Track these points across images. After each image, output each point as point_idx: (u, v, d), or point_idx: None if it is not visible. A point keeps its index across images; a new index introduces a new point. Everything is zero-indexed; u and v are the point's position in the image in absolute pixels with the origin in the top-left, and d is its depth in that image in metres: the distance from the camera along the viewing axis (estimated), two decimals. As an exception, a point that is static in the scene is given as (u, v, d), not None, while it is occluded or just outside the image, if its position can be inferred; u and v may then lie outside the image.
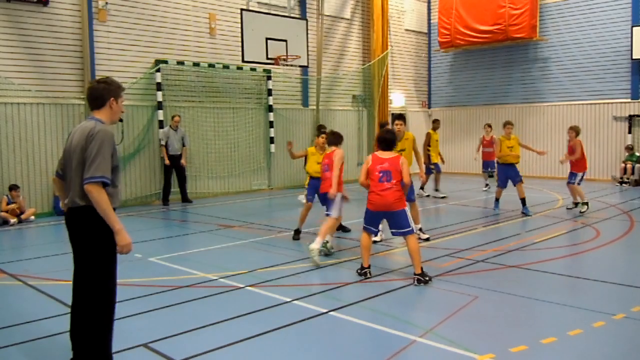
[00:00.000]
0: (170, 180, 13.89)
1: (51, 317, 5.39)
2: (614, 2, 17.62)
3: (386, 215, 6.73)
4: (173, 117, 13.74)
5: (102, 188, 3.65)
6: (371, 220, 6.84)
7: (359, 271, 6.78)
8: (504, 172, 11.77)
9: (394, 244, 8.71)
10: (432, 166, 14.11)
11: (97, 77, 12.94)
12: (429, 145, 14.18)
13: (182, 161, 13.79)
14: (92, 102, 3.92)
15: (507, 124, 12.04)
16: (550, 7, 18.99)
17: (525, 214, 11.22)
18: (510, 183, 11.74)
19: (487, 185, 15.73)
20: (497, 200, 12.01)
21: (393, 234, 6.83)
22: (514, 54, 20.00)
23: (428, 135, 14.33)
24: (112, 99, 3.93)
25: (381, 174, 6.63)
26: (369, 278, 6.63)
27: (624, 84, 17.55)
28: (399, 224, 6.62)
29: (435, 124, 14.80)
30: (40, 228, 10.98)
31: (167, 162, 13.63)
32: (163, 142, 13.69)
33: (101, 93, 3.90)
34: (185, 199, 14.06)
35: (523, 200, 11.40)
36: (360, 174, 6.83)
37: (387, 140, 6.86)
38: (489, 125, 16.17)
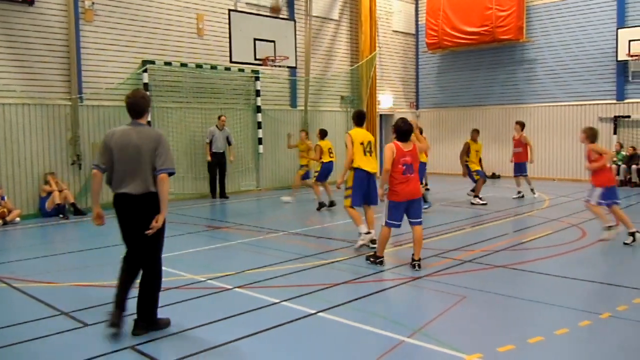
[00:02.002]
0: (215, 175, 14.92)
1: (37, 319, 5.34)
2: (600, 4, 17.80)
3: (409, 203, 7.01)
4: (219, 117, 14.78)
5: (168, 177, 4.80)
6: (396, 214, 7.04)
7: (372, 259, 7.23)
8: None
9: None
10: (475, 173, 13.28)
11: (82, 77, 12.88)
12: (467, 155, 13.43)
13: (231, 158, 15.02)
14: (138, 111, 4.94)
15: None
16: (538, 8, 19.14)
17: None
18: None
19: (519, 192, 14.03)
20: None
21: (412, 223, 7.12)
22: (500, 55, 20.13)
23: (466, 146, 13.53)
24: (149, 108, 5.08)
25: (404, 167, 6.91)
26: (383, 265, 7.16)
27: (610, 86, 17.73)
28: (418, 212, 7.09)
29: (474, 134, 13.69)
30: (26, 229, 10.87)
31: (208, 158, 14.65)
32: (208, 140, 14.68)
33: (145, 105, 4.97)
34: (223, 194, 15.00)
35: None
36: (385, 162, 6.92)
37: (405, 131, 7.05)
38: (520, 123, 14.32)
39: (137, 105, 4.93)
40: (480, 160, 14.07)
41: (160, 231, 4.87)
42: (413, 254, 7.10)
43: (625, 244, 8.37)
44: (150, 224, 4.73)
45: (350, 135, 8.43)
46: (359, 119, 8.79)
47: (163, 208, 4.78)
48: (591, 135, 8.62)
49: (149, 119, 13.51)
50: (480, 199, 13.06)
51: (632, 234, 8.44)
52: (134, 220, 4.83)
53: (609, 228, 8.53)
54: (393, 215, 7.04)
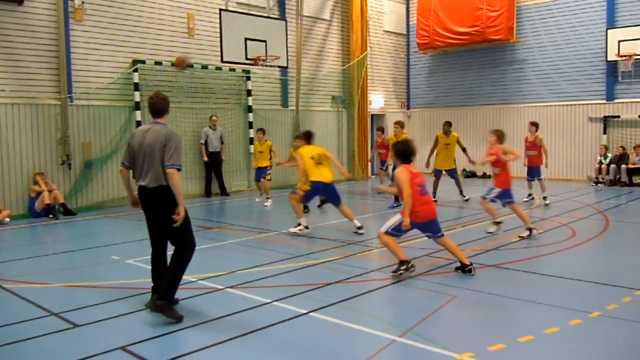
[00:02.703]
0: (211, 175, 15.32)
1: (27, 320, 5.30)
2: (590, 4, 17.92)
3: (426, 224, 6.80)
4: (211, 117, 15.01)
5: (178, 172, 5.20)
6: (406, 231, 6.78)
7: (402, 270, 6.60)
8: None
9: (374, 244, 8.74)
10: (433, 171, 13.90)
11: (72, 77, 12.81)
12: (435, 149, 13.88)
13: (223, 157, 15.24)
14: (157, 111, 5.45)
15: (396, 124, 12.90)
16: (529, 9, 19.24)
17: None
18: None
19: (530, 195, 13.48)
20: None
21: (429, 237, 6.96)
22: (491, 55, 20.22)
23: (435, 140, 13.91)
24: (169, 109, 5.58)
25: (420, 188, 6.70)
26: (413, 270, 6.71)
27: (599, 86, 17.86)
28: (437, 228, 6.86)
29: (445, 126, 13.91)
30: (15, 230, 10.79)
31: (205, 158, 14.97)
32: (202, 141, 14.93)
33: (166, 106, 5.50)
34: (223, 192, 15.53)
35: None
36: (405, 187, 6.52)
37: (412, 152, 6.88)
38: (534, 124, 13.40)
39: (155, 106, 5.44)
40: (465, 153, 13.79)
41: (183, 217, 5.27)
42: (461, 262, 6.80)
43: (488, 232, 9.32)
44: (166, 214, 5.21)
45: (300, 153, 9.66)
46: (308, 137, 10.03)
47: (179, 201, 5.19)
48: (501, 136, 9.49)
49: (139, 118, 13.67)
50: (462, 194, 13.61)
51: (530, 229, 8.98)
52: (153, 210, 5.38)
53: (497, 223, 9.39)
54: (401, 232, 6.79)
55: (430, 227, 6.85)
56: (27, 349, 4.67)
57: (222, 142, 15.18)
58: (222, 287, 6.34)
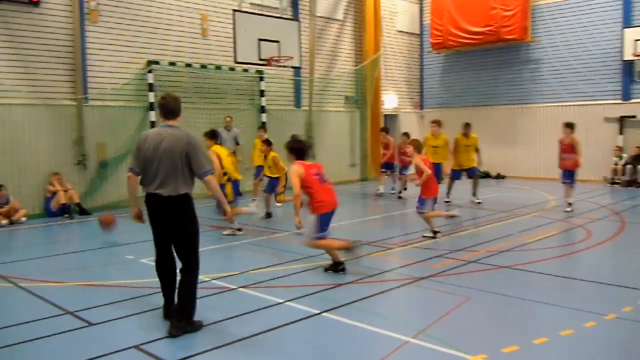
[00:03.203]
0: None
1: (43, 318, 5.36)
2: (606, 3, 17.73)
3: (334, 212, 7.09)
4: (225, 118, 14.57)
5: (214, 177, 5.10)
6: (326, 224, 7.03)
7: (334, 269, 6.99)
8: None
9: (387, 245, 8.72)
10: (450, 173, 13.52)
11: (88, 78, 12.91)
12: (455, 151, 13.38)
13: (239, 158, 14.33)
14: (170, 112, 5.10)
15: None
16: (542, 8, 19.08)
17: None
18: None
19: (570, 205, 12.00)
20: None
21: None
22: (505, 55, 20.07)
23: (454, 141, 13.45)
24: (182, 110, 5.22)
25: (319, 177, 6.94)
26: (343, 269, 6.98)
27: (615, 85, 17.66)
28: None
29: (465, 128, 13.44)
30: (31, 229, 10.91)
31: None
32: (218, 141, 14.47)
33: (178, 106, 5.14)
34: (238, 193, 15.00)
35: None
36: (295, 186, 6.78)
37: (306, 149, 7.18)
38: (569, 125, 12.29)
39: (168, 107, 5.10)
40: (478, 154, 13.43)
41: (195, 229, 5.11)
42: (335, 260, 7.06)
43: (424, 236, 9.13)
44: (181, 223, 5.00)
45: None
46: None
47: (221, 202, 5.34)
48: (418, 146, 9.25)
49: (153, 119, 13.75)
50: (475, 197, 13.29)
51: (434, 232, 9.09)
52: (165, 221, 5.02)
53: (434, 232, 9.10)
54: (323, 226, 6.97)
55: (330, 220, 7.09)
56: (43, 346, 4.71)
57: (237, 143, 14.83)
58: (234, 287, 6.35)
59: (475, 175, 13.42)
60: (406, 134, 14.79)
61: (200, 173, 4.98)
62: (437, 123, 12.38)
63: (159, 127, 5.16)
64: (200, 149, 5.02)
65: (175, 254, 5.17)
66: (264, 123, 16.31)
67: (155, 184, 4.96)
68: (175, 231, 5.04)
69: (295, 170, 6.88)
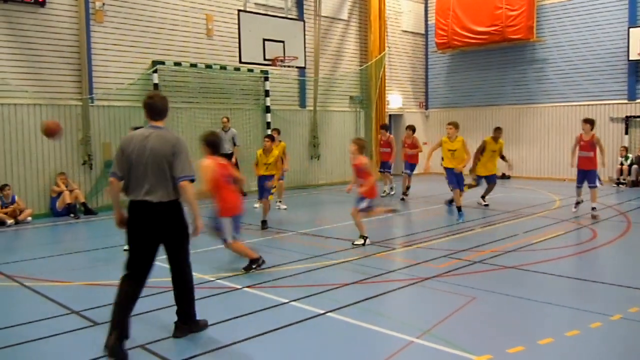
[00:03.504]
0: None
1: (48, 318, 5.38)
2: (610, 3, 17.66)
3: (240, 216, 7.21)
4: (221, 118, 14.67)
5: (191, 184, 4.62)
6: (237, 225, 7.13)
7: (254, 267, 7.05)
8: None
9: (391, 245, 8.71)
10: (475, 178, 12.92)
11: (93, 78, 12.94)
12: (482, 154, 12.71)
13: (233, 159, 14.27)
14: (158, 113, 4.74)
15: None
16: (547, 8, 19.03)
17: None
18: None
19: (577, 203, 11.59)
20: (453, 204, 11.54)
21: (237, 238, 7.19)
22: (510, 55, 20.02)
23: (483, 144, 12.83)
24: (168, 110, 4.87)
25: (228, 179, 6.98)
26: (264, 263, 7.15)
27: (621, 85, 17.59)
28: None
29: (496, 132, 12.88)
30: (37, 229, 10.95)
31: None
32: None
33: (165, 107, 4.79)
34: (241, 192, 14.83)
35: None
36: (207, 182, 6.69)
37: (218, 146, 7.12)
38: (589, 121, 11.41)
39: (155, 107, 4.75)
40: (503, 158, 13.04)
41: (187, 234, 4.80)
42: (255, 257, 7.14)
43: (354, 244, 8.65)
44: (172, 232, 4.68)
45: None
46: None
47: (196, 215, 4.66)
48: (362, 146, 8.79)
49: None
50: (483, 199, 12.81)
51: (364, 237, 8.74)
52: (152, 229, 4.61)
53: (363, 237, 8.75)
54: (236, 226, 7.09)
55: (239, 222, 7.14)
56: (48, 346, 4.73)
57: (234, 144, 14.81)
58: (239, 287, 6.36)
59: (495, 182, 13.02)
60: (411, 127, 14.47)
61: (178, 176, 4.54)
62: (453, 125, 11.30)
63: (144, 128, 4.80)
64: (186, 153, 4.63)
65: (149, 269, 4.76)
66: (268, 123, 16.33)
67: (144, 190, 4.55)
68: (168, 240, 4.71)
69: (209, 165, 6.70)
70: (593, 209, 11.05)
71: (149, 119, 4.76)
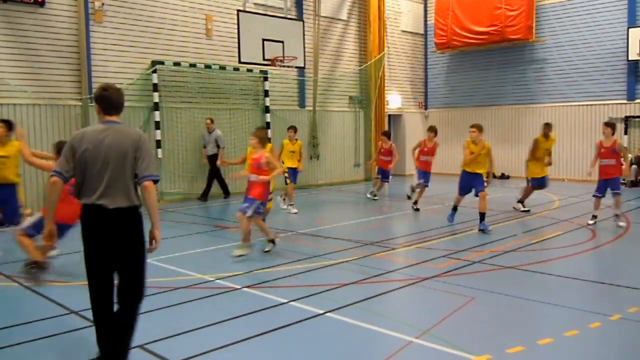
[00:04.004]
0: (212, 178, 14.67)
1: (48, 318, 5.38)
2: (610, 3, 17.68)
3: (65, 229, 7.00)
4: (205, 120, 14.46)
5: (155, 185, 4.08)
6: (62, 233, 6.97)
7: (34, 271, 6.69)
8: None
9: (391, 245, 8.71)
10: (530, 180, 12.14)
11: (92, 78, 12.93)
12: (534, 154, 12.01)
13: (217, 162, 13.26)
14: (114, 107, 4.17)
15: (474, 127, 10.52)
16: (547, 8, 19.04)
17: (483, 230, 9.73)
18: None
19: (594, 217, 10.32)
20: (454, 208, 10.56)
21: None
22: (510, 55, 20.04)
23: (535, 143, 12.08)
24: (124, 105, 4.28)
25: (71, 187, 6.88)
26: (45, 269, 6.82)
27: (620, 85, 17.61)
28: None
29: (545, 128, 12.16)
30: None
31: (204, 161, 14.60)
32: (202, 144, 14.65)
33: (122, 100, 4.23)
34: (226, 193, 14.90)
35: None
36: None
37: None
38: (610, 125, 10.38)
39: (113, 100, 4.16)
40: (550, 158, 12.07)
41: (144, 251, 4.14)
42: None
43: (235, 257, 7.73)
44: (131, 244, 4.02)
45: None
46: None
47: (155, 222, 4.04)
48: (264, 138, 8.03)
49: (157, 119, 13.78)
50: (522, 204, 11.94)
51: (272, 241, 8.16)
52: (109, 242, 3.98)
53: (271, 241, 8.16)
54: (37, 229, 6.93)
55: (65, 232, 6.91)
56: (48, 346, 4.73)
57: (217, 146, 14.23)
58: (239, 287, 6.36)
59: (546, 185, 12.18)
60: (433, 129, 12.81)
61: (142, 175, 3.98)
62: (477, 128, 10.10)
63: (98, 123, 4.19)
64: (150, 149, 4.13)
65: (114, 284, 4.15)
66: (268, 123, 16.34)
67: (98, 193, 3.94)
68: (123, 255, 4.03)
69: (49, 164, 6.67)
70: (617, 216, 10.17)
71: (103, 113, 4.16)
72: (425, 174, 12.60)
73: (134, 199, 4.02)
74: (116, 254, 4.01)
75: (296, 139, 12.55)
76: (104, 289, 4.09)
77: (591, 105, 18.18)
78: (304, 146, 16.61)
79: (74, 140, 4.02)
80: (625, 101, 17.51)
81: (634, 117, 17.32)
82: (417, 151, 12.74)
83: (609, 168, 10.18)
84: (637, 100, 17.31)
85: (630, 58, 17.00)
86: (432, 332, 4.84)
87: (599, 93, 18.07)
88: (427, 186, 12.66)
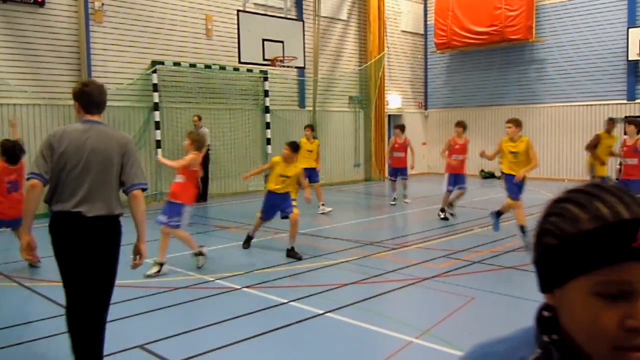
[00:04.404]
0: (201, 178, 14.14)
1: (47, 318, 5.38)
2: (610, 3, 17.68)
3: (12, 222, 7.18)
4: (193, 117, 14.10)
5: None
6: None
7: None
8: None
9: (391, 245, 8.71)
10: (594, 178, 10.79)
11: (92, 78, 12.92)
12: (596, 151, 11.11)
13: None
14: (96, 104, 3.82)
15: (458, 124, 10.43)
16: (547, 8, 19.05)
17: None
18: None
19: None
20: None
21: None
22: (510, 55, 20.04)
23: (596, 139, 11.25)
24: (106, 104, 3.94)
25: (9, 184, 7.04)
26: None
27: (620, 85, 17.62)
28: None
29: (609, 124, 11.42)
30: (36, 229, 10.89)
31: None
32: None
33: (104, 98, 3.87)
34: (203, 197, 13.85)
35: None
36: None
37: (12, 151, 7.17)
38: (634, 123, 9.88)
39: (95, 97, 3.80)
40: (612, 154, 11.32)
41: (114, 271, 3.80)
42: None
43: (147, 276, 6.86)
44: (108, 257, 3.70)
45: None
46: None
47: (142, 235, 3.79)
48: (197, 141, 7.35)
49: (157, 119, 13.78)
50: None
51: (198, 253, 7.32)
52: (85, 252, 3.63)
53: (198, 254, 7.33)
54: None
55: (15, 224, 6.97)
56: (48, 346, 4.73)
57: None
58: (239, 287, 6.36)
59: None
60: (462, 124, 11.64)
61: (131, 183, 3.70)
62: (513, 123, 8.79)
63: (79, 122, 3.85)
64: (136, 154, 3.84)
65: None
66: (268, 123, 16.35)
67: (76, 199, 3.60)
68: (98, 267, 3.68)
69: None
70: None
71: (83, 111, 3.81)
72: (458, 177, 11.00)
73: (115, 208, 3.71)
74: (88, 266, 3.66)
75: (314, 138, 12.23)
76: (83, 301, 3.75)
77: (591, 105, 18.18)
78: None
79: (53, 139, 3.67)
80: (625, 101, 17.52)
81: (634, 117, 17.30)
82: (446, 152, 11.21)
83: (631, 168, 9.52)
84: (637, 100, 17.31)
85: (630, 58, 17.01)
86: (432, 332, 4.84)
87: (600, 93, 18.07)
88: (464, 189, 11.04)
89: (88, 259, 3.64)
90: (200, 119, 14.00)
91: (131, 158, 3.74)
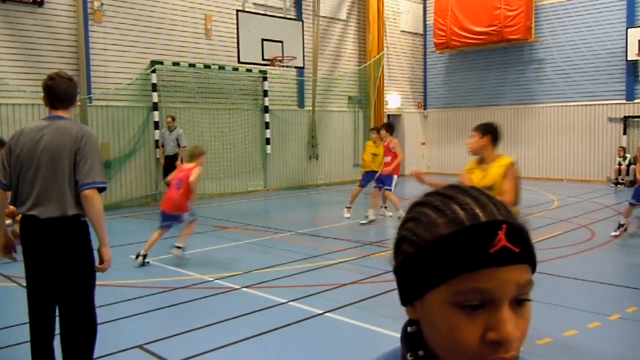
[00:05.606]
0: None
1: (46, 318, 5.37)
2: (609, 3, 17.70)
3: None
4: (166, 118, 13.60)
5: (99, 194, 3.46)
6: None
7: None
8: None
9: (390, 245, 8.70)
10: None
11: (92, 78, 12.93)
12: None
13: (177, 162, 12.90)
14: (59, 98, 3.56)
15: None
16: (546, 8, 19.06)
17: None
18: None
19: (622, 226, 9.05)
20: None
21: None
22: (509, 55, 20.05)
23: None
24: (77, 97, 3.71)
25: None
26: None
27: (619, 85, 17.63)
28: None
29: None
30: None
31: (161, 162, 13.60)
32: (160, 143, 13.63)
33: (73, 92, 3.62)
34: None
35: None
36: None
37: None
38: None
39: (59, 91, 3.58)
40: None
41: (91, 268, 3.54)
42: None
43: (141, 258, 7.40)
44: (67, 261, 3.42)
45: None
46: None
47: (102, 237, 3.47)
48: (194, 155, 7.72)
49: (157, 119, 13.77)
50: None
51: (179, 247, 7.62)
52: (43, 257, 3.43)
53: (179, 248, 7.61)
54: None
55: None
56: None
57: (178, 145, 13.23)
58: (238, 287, 6.36)
59: None
60: (389, 126, 11.00)
61: (83, 182, 3.35)
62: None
63: (40, 118, 3.68)
64: (96, 150, 3.46)
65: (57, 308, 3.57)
66: (267, 123, 16.35)
67: (30, 202, 3.41)
68: (59, 272, 3.43)
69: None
70: (622, 226, 8.99)
71: (48, 106, 3.64)
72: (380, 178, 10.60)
73: (69, 209, 3.38)
74: (51, 269, 3.43)
75: (381, 141, 10.83)
76: (44, 309, 3.54)
77: (590, 105, 18.20)
78: (303, 146, 16.56)
79: (12, 141, 3.50)
80: (624, 101, 17.53)
81: (632, 117, 17.34)
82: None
83: None
84: (636, 100, 17.32)
85: (629, 58, 17.02)
86: (431, 332, 4.84)
87: (599, 93, 18.08)
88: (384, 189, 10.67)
89: (44, 263, 3.44)
90: (174, 119, 13.40)
91: (85, 154, 3.38)
